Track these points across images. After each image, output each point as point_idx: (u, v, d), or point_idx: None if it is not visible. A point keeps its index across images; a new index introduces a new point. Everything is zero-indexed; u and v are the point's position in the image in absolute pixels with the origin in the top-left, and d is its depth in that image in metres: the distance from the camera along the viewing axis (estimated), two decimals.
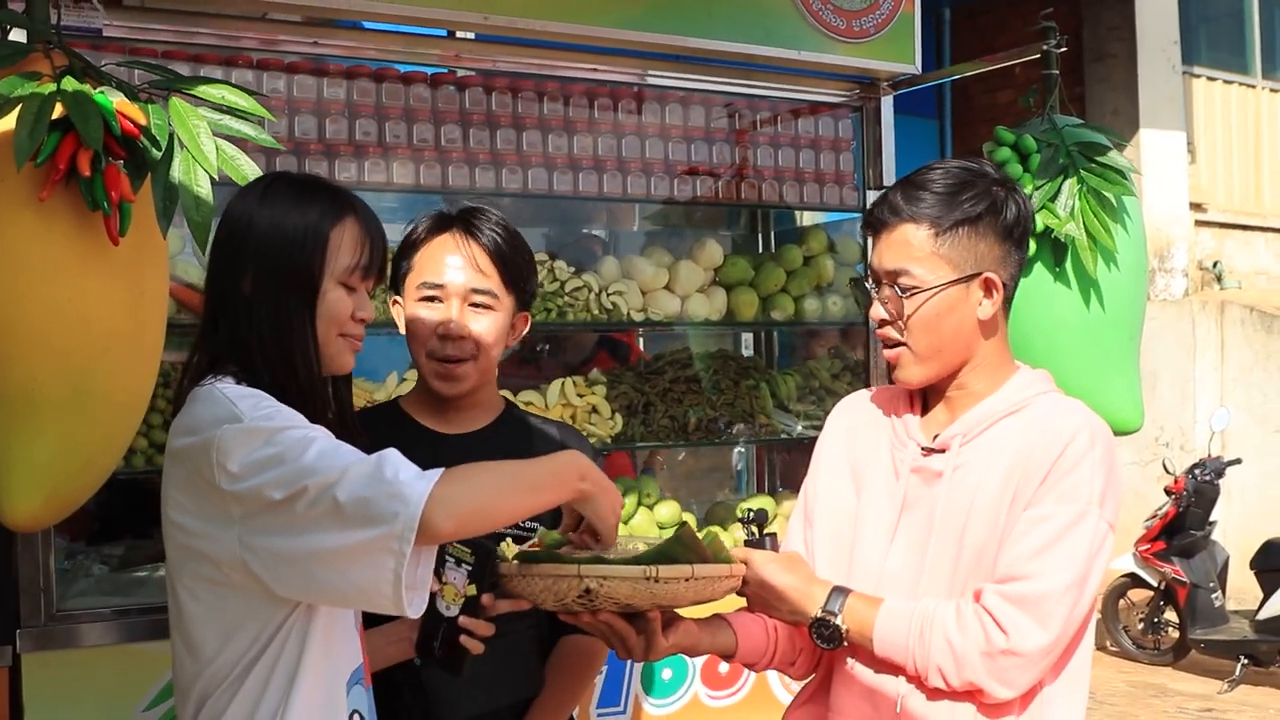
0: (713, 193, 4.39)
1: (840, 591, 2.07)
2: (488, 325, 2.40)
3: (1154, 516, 7.46)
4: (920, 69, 4.31)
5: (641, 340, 5.04)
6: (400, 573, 1.67)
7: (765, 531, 2.10)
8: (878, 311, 2.16)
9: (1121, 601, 7.76)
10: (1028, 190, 3.52)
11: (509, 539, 2.08)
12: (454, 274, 2.38)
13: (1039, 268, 3.54)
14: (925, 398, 2.24)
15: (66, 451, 2.47)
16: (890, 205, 2.13)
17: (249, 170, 2.51)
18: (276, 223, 1.94)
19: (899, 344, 2.14)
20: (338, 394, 2.07)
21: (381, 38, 3.84)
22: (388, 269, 2.12)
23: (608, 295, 4.13)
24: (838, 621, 2.05)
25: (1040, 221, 3.49)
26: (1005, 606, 1.99)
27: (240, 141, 2.57)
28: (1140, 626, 7.66)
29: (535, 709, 2.43)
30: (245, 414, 1.80)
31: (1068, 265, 3.52)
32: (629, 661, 2.27)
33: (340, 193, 2.04)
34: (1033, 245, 3.52)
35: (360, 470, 1.69)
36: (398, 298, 2.48)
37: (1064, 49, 3.76)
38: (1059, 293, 3.55)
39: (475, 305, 2.39)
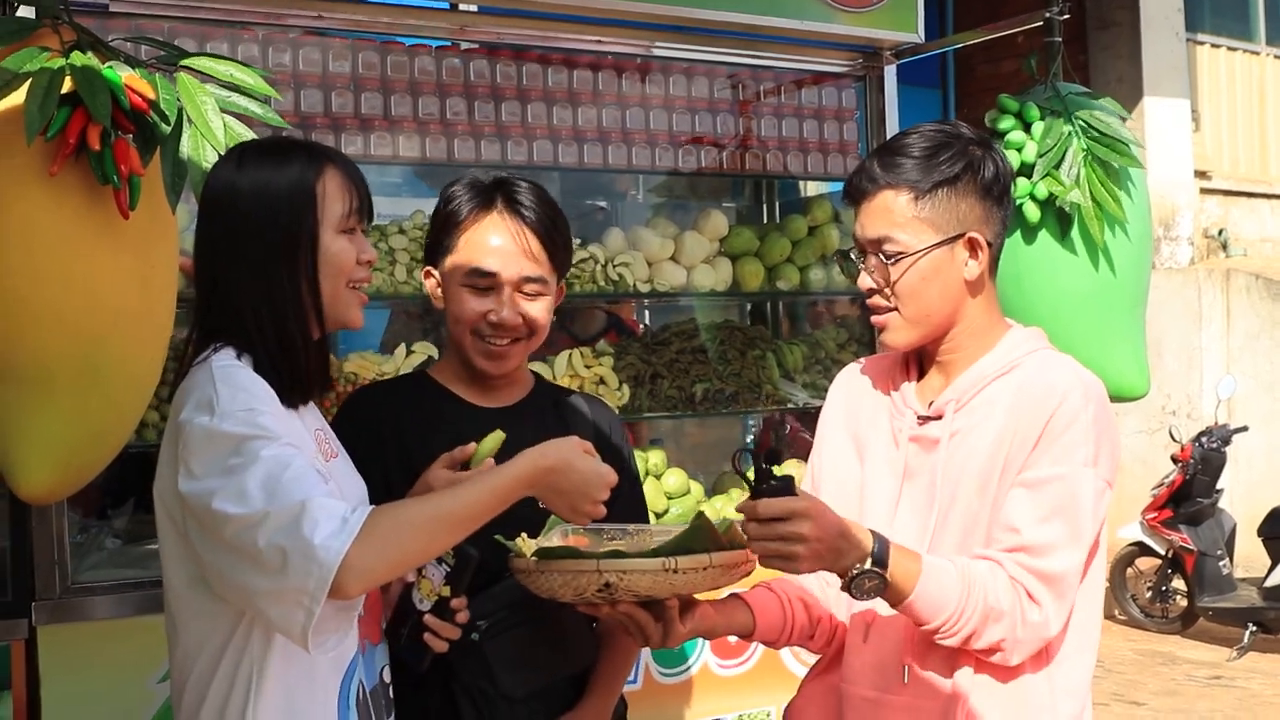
0: (717, 163, 4.40)
1: (880, 539, 1.97)
2: (540, 309, 2.36)
3: (1161, 485, 7.47)
4: (923, 38, 4.31)
5: (648, 313, 5.04)
6: (309, 625, 1.69)
7: (781, 474, 2.01)
8: (865, 281, 2.15)
9: (1129, 570, 7.78)
10: (1031, 159, 3.53)
11: (524, 535, 2.08)
12: (506, 262, 2.32)
13: (1044, 235, 3.56)
14: (921, 364, 2.24)
15: (78, 424, 2.50)
16: (868, 174, 2.13)
17: None
18: (260, 186, 1.93)
19: (888, 309, 2.14)
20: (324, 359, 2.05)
21: (386, 10, 3.83)
22: (372, 208, 2.09)
23: (614, 267, 4.14)
24: (886, 573, 1.95)
25: (1044, 189, 3.50)
26: (1033, 580, 1.99)
27: (247, 119, 2.58)
28: (1148, 595, 7.68)
29: (595, 680, 2.41)
30: (221, 405, 1.78)
31: (1073, 233, 3.53)
32: None
33: (314, 145, 2.04)
34: (1037, 213, 3.55)
35: (282, 519, 1.68)
36: (433, 270, 2.42)
37: (1067, 16, 3.76)
38: (1064, 260, 3.56)
39: (525, 292, 2.34)
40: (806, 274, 4.51)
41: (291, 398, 1.92)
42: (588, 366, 4.09)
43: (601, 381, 4.10)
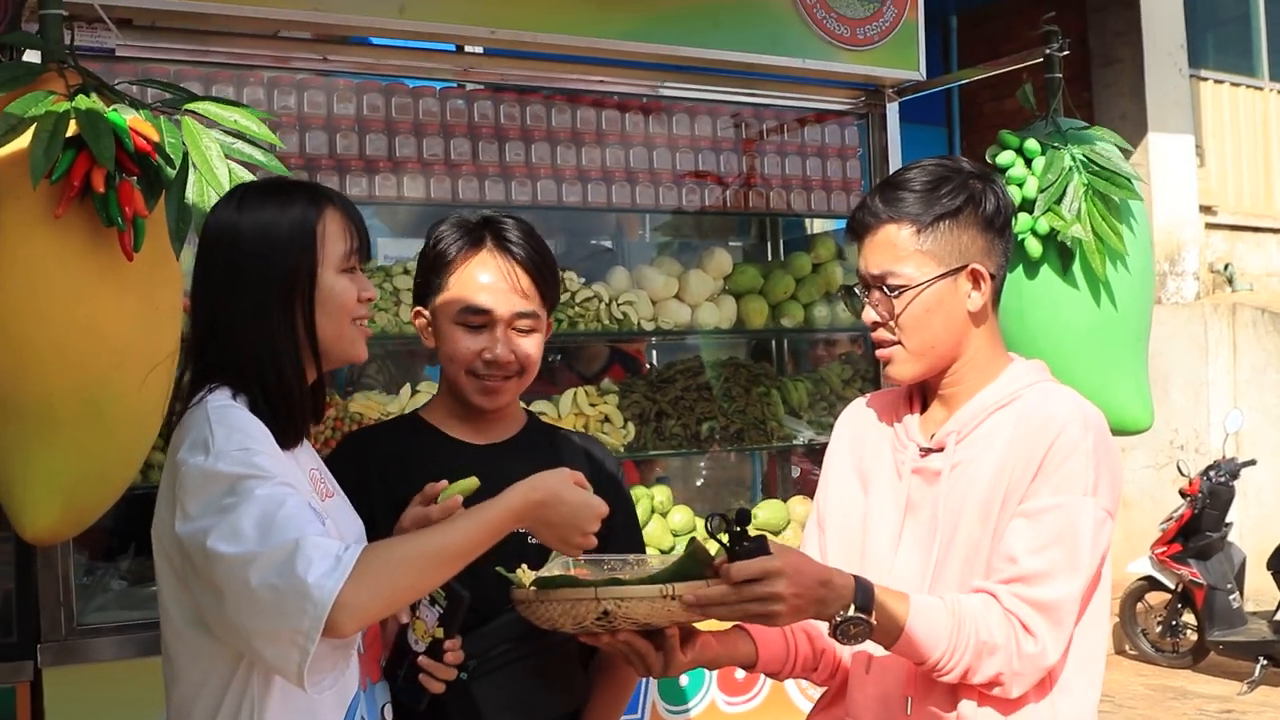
0: (721, 202, 4.42)
1: (864, 584, 1.97)
2: (532, 345, 2.38)
3: (1170, 519, 7.44)
4: (924, 75, 4.33)
5: (655, 352, 5.05)
6: (305, 665, 1.69)
7: (750, 533, 1.99)
8: (869, 315, 2.16)
9: (1139, 605, 7.73)
10: (1032, 194, 3.54)
11: (524, 566, 2.08)
12: (498, 299, 2.34)
13: (1046, 270, 3.56)
14: (924, 397, 2.25)
15: (82, 465, 2.51)
16: (870, 209, 2.14)
17: None
18: (261, 227, 1.94)
19: (893, 343, 2.14)
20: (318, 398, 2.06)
21: (390, 53, 3.87)
22: (369, 247, 2.10)
23: (618, 305, 4.15)
24: (870, 618, 1.95)
25: (1046, 224, 3.51)
26: (1028, 610, 1.99)
27: (251, 165, 2.60)
28: (1159, 629, 7.63)
29: (590, 713, 2.41)
30: (216, 445, 1.79)
31: (1075, 267, 3.53)
32: None
33: (314, 186, 2.05)
34: (1039, 248, 3.55)
35: (275, 558, 1.68)
36: (422, 310, 2.44)
37: (1066, 52, 3.78)
38: (1067, 295, 3.56)
39: (518, 329, 2.36)
40: (811, 311, 4.52)
41: (286, 437, 1.92)
42: (592, 405, 4.09)
43: (606, 420, 4.10)
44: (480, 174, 3.94)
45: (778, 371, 4.80)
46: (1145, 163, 8.84)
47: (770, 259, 4.88)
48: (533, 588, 1.97)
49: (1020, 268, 3.58)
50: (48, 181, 2.35)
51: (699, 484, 4.81)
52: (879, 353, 2.19)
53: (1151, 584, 7.57)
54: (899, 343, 2.13)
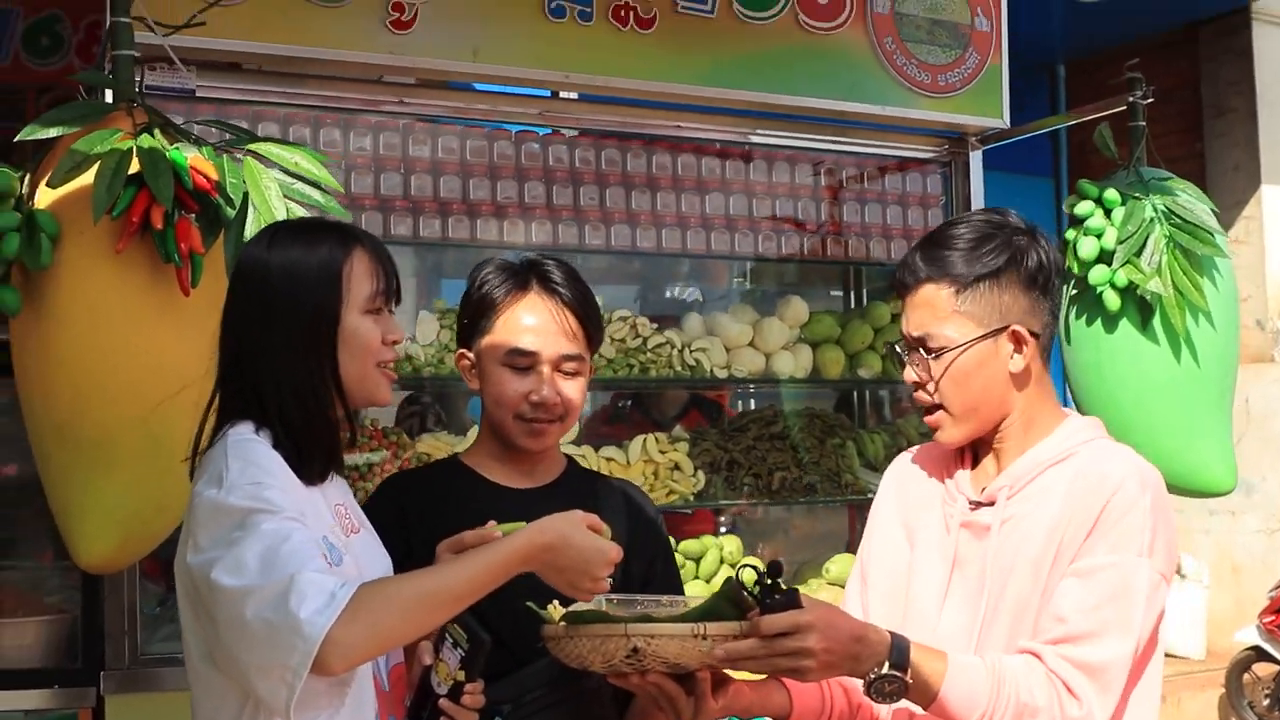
0: (799, 250, 4.39)
1: (900, 640, 1.93)
2: (577, 389, 2.38)
3: (1278, 587, 7.17)
4: (1008, 123, 4.26)
5: (731, 400, 5.02)
6: (291, 701, 1.70)
7: (780, 586, 1.95)
8: (909, 375, 2.12)
9: (1246, 675, 7.43)
10: (1111, 246, 3.46)
11: (555, 602, 2.05)
12: (545, 341, 2.34)
13: (1124, 324, 3.48)
14: (975, 450, 2.20)
15: (138, 494, 2.56)
16: (910, 267, 2.11)
17: None
18: (289, 266, 1.96)
19: (936, 406, 2.11)
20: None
21: (466, 96, 3.95)
22: (399, 290, 2.11)
23: (690, 351, 4.13)
24: (906, 676, 1.91)
25: (1124, 276, 3.42)
26: (1073, 672, 1.93)
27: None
28: (1266, 702, 7.32)
29: None
30: (230, 479, 1.81)
31: (1155, 322, 3.45)
32: None
33: (345, 227, 2.07)
34: (1117, 301, 3.47)
35: (271, 592, 1.69)
36: (466, 352, 2.44)
37: (1150, 100, 3.70)
38: (1146, 350, 3.48)
39: (564, 371, 2.36)
40: (889, 362, 4.45)
41: (308, 473, 1.93)
42: (662, 451, 4.07)
43: (676, 467, 4.07)
44: (554, 218, 3.97)
45: (858, 423, 4.72)
46: (1258, 214, 8.59)
47: (849, 308, 4.83)
48: (562, 623, 1.95)
49: (1099, 321, 3.52)
50: (109, 217, 2.42)
51: (770, 535, 4.75)
52: (927, 420, 2.14)
53: (1260, 654, 7.28)
54: (942, 406, 2.09)
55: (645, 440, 4.07)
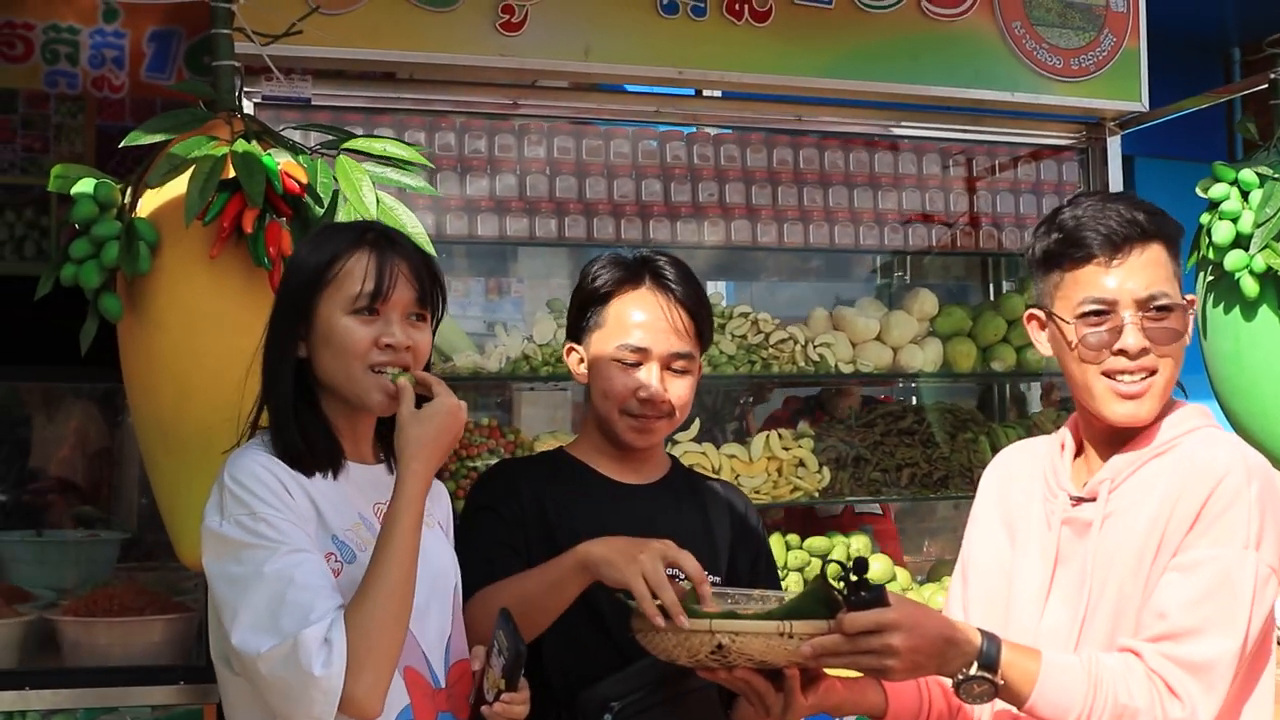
0: (927, 242, 4.29)
1: (991, 640, 1.88)
2: (686, 387, 2.38)
3: None
4: (1147, 106, 4.08)
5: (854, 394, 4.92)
6: None
7: (868, 583, 1.89)
8: (1138, 341, 1.96)
9: None
10: (1248, 230, 3.30)
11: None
12: (656, 338, 2.34)
13: (1264, 311, 3.32)
14: (1079, 444, 2.12)
15: None
16: (1136, 223, 1.97)
17: (406, 219, 2.62)
18: (297, 263, 2.01)
19: (1147, 376, 1.98)
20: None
21: (578, 95, 3.94)
22: (441, 301, 2.06)
23: (814, 347, 4.06)
24: (995, 678, 1.86)
25: (1263, 261, 3.27)
26: (1175, 671, 1.85)
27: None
28: None
29: None
30: (226, 508, 1.85)
31: None
32: None
33: (369, 227, 2.04)
34: (1256, 287, 3.33)
35: (278, 654, 1.74)
36: (575, 346, 2.44)
37: None
38: None
39: (673, 369, 2.36)
40: (1023, 354, 4.30)
41: (306, 471, 1.93)
42: (786, 448, 4.01)
43: (801, 464, 4.01)
44: (672, 215, 3.95)
45: (998, 417, 4.58)
46: None
47: (981, 300, 4.68)
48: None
49: (1236, 308, 3.35)
50: (203, 225, 2.49)
51: (903, 532, 4.64)
52: (1134, 388, 1.98)
53: None
54: (1154, 373, 1.97)
55: (768, 437, 4.02)
